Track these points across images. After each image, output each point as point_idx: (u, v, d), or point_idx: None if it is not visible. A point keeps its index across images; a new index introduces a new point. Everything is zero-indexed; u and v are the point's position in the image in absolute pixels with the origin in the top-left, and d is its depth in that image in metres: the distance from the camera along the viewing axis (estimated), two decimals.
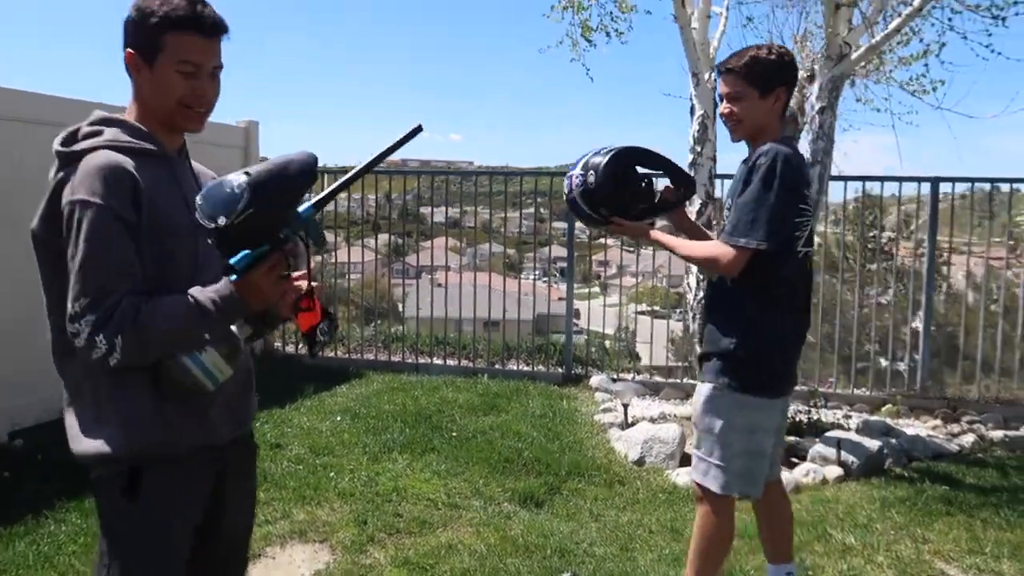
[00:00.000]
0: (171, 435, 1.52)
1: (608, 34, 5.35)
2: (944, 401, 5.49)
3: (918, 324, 5.77)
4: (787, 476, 4.10)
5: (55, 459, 3.91)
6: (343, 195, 4.51)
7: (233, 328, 1.50)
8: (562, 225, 6.86)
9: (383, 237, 8.58)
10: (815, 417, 4.93)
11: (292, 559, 3.18)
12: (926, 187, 5.62)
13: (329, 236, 6.89)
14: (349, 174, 1.55)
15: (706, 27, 4.70)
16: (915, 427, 5.11)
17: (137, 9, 1.51)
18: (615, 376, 6.10)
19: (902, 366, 6.11)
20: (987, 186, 5.66)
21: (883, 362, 6.05)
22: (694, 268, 4.59)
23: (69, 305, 1.41)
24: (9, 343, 4.41)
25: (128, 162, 1.48)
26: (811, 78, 4.47)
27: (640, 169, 2.56)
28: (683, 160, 4.53)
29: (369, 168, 1.55)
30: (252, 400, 1.77)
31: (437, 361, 6.57)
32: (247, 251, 1.42)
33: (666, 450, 4.34)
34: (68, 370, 1.54)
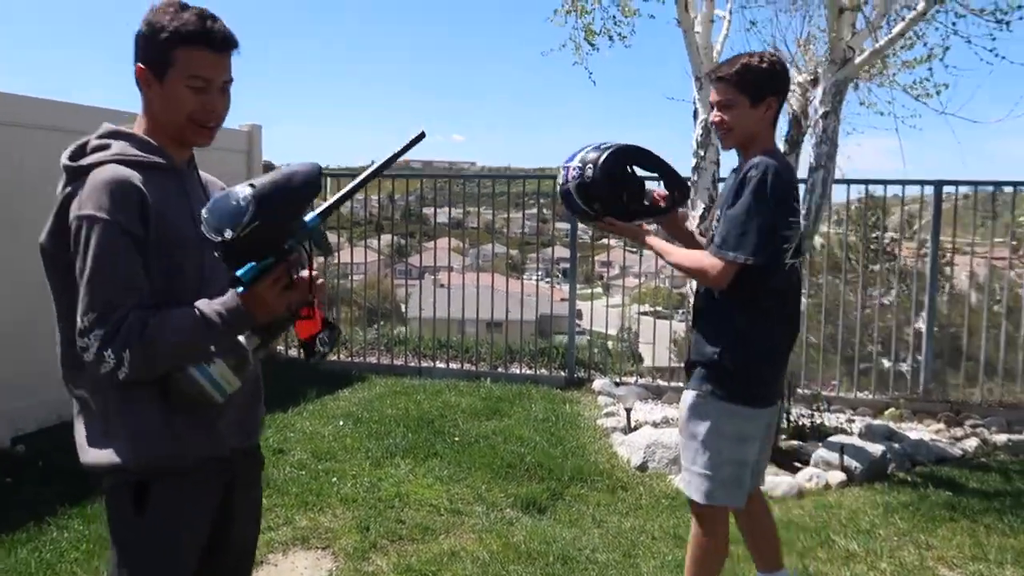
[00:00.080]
0: (179, 447, 1.52)
1: (611, 38, 5.33)
2: (947, 404, 5.48)
3: (921, 325, 5.77)
4: (790, 481, 4.11)
5: (57, 465, 3.91)
6: None
7: (241, 339, 1.50)
8: (565, 226, 6.85)
9: (386, 238, 8.59)
10: (818, 421, 4.93)
11: (295, 566, 3.18)
12: (929, 190, 5.62)
13: (332, 237, 6.89)
14: (353, 183, 1.55)
15: (709, 31, 4.69)
16: (918, 431, 5.11)
17: (148, 24, 1.51)
18: (618, 380, 6.10)
19: (905, 367, 6.10)
20: (990, 188, 5.65)
21: (886, 363, 6.04)
22: None
23: (78, 320, 1.42)
24: (9, 345, 4.41)
25: (135, 176, 1.48)
26: (815, 82, 4.45)
27: (637, 170, 2.54)
28: (686, 164, 4.52)
29: (373, 177, 1.56)
30: (260, 411, 1.77)
31: (440, 364, 6.57)
32: (253, 263, 1.42)
33: (669, 455, 4.34)
34: (77, 383, 1.55)
